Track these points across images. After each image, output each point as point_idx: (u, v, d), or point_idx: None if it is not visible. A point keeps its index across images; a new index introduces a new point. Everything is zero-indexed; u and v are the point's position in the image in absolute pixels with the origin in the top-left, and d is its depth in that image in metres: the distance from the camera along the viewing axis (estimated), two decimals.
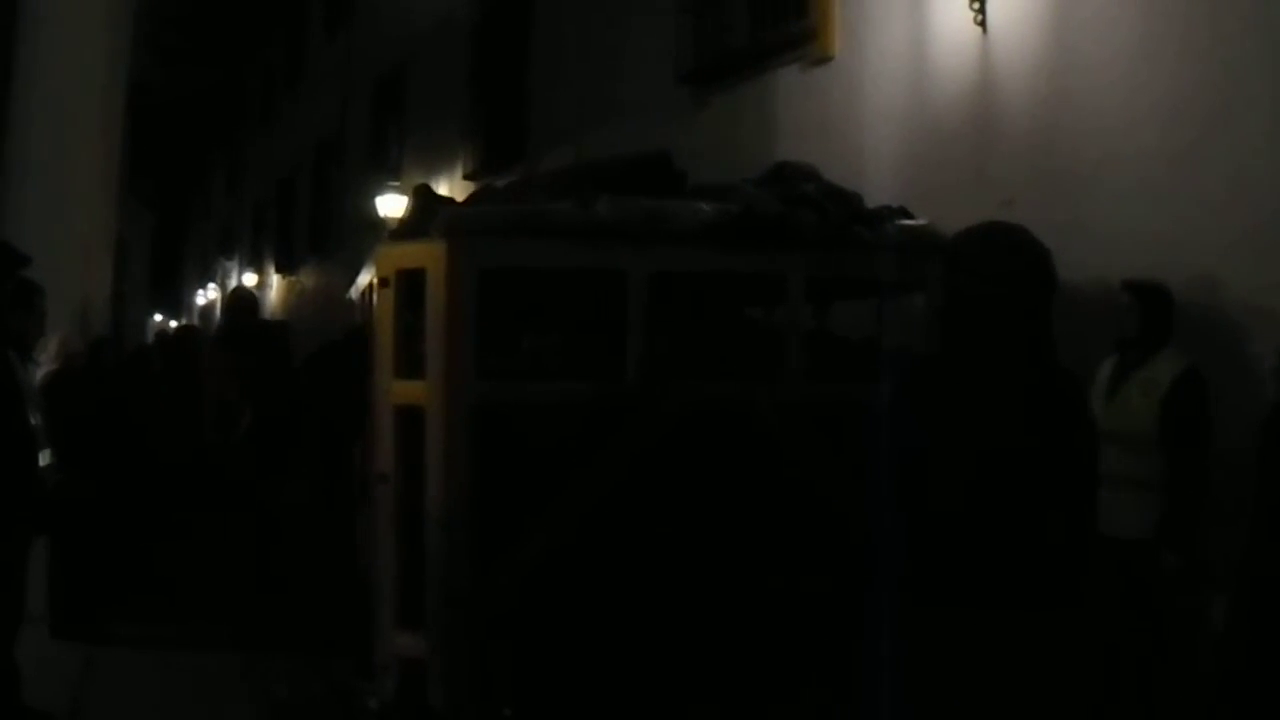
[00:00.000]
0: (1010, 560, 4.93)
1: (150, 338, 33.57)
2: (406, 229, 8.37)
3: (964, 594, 4.95)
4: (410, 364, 7.60)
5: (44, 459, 7.76)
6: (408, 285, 7.56)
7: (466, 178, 19.09)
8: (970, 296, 5.07)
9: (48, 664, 8.64)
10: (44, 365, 9.31)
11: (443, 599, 7.27)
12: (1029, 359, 5.06)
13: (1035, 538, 4.94)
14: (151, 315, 51.53)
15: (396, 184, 21.67)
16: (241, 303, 16.21)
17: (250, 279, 39.75)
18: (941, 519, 4.94)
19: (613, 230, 7.44)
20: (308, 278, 30.30)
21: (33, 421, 7.66)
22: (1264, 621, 6.32)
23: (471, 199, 8.80)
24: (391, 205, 20.88)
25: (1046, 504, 4.95)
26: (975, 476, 4.94)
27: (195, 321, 47.84)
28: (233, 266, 45.38)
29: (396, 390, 7.59)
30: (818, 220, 7.78)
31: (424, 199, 8.48)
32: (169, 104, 35.84)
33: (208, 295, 50.11)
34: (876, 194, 8.71)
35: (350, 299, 11.99)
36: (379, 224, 20.46)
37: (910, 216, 8.37)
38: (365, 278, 9.65)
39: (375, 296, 7.74)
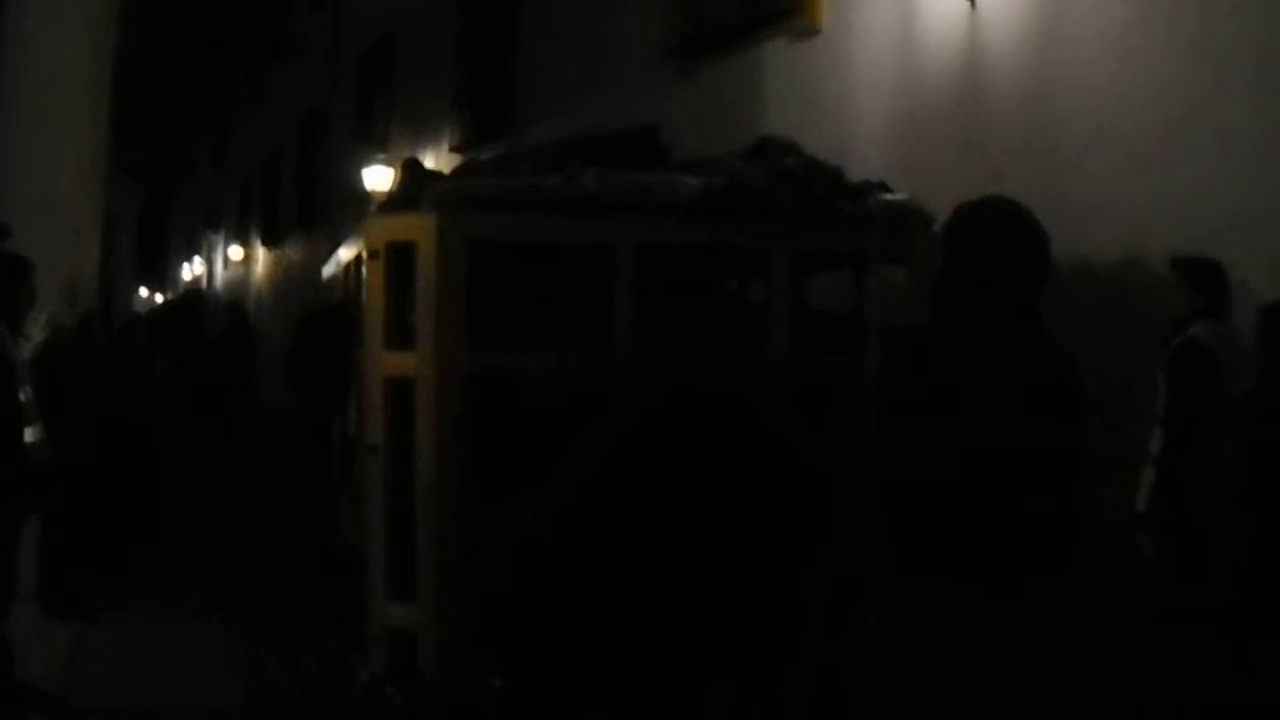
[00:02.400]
0: (994, 534, 4.95)
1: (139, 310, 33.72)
2: (395, 202, 8.41)
3: (946, 567, 4.98)
4: (400, 336, 7.63)
5: (34, 434, 7.76)
6: (397, 258, 7.59)
7: (453, 150, 19.09)
8: (963, 272, 5.05)
9: (39, 640, 8.60)
10: (34, 339, 9.28)
11: (434, 570, 7.31)
12: (1022, 334, 5.06)
13: (1020, 511, 4.96)
14: (138, 289, 51.51)
15: (383, 156, 21.63)
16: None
17: (236, 252, 39.74)
18: (925, 489, 4.95)
19: (600, 203, 7.51)
20: (294, 251, 30.24)
21: (22, 397, 7.65)
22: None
23: (458, 172, 8.80)
24: (378, 177, 20.86)
25: (1035, 478, 4.97)
26: (963, 448, 4.95)
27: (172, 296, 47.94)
28: (219, 240, 45.30)
29: (387, 361, 7.61)
30: (800, 194, 7.83)
31: (413, 172, 8.51)
32: (155, 77, 35.74)
33: (194, 269, 50.05)
34: (864, 167, 8.75)
35: (327, 275, 12.01)
36: (366, 196, 20.48)
37: (891, 191, 8.42)
38: (347, 252, 9.67)
39: (365, 268, 7.77)
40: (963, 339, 5.00)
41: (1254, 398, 6.51)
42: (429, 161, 15.05)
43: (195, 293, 30.07)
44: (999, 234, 5.00)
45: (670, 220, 7.60)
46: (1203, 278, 6.94)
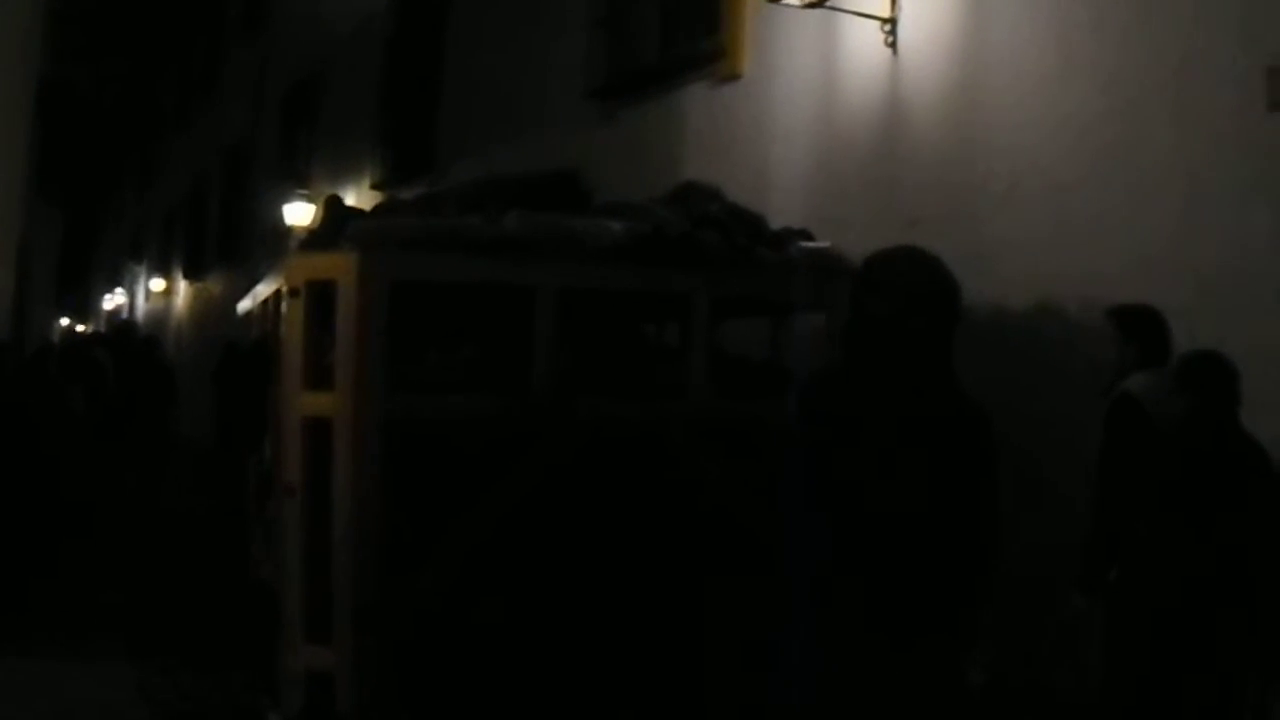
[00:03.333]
0: (897, 574, 5.02)
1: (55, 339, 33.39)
2: (316, 239, 8.38)
3: (852, 609, 5.05)
4: (317, 375, 7.56)
5: None
6: (315, 296, 7.53)
7: (374, 188, 19.07)
8: (874, 316, 5.16)
9: None
10: None
11: (351, 612, 7.25)
12: (931, 382, 5.15)
13: (926, 555, 5.03)
14: (58, 318, 51.11)
15: (305, 193, 21.63)
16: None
17: (158, 284, 39.54)
18: (842, 533, 5.03)
19: (523, 245, 7.48)
20: (215, 284, 30.14)
21: None
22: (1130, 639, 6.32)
23: (378, 211, 8.79)
24: (299, 213, 20.88)
25: (940, 515, 5.05)
26: (871, 490, 5.03)
27: (97, 326, 47.61)
28: (141, 271, 45.07)
29: (305, 401, 7.53)
30: (722, 241, 7.88)
31: (334, 209, 8.48)
32: (83, 105, 35.59)
33: (115, 299, 49.73)
34: (784, 212, 8.83)
35: (242, 310, 11.95)
36: (287, 232, 20.46)
37: (811, 238, 8.49)
38: (266, 288, 9.63)
39: (285, 306, 7.69)
40: (868, 378, 5.12)
41: (1167, 441, 6.42)
42: (350, 199, 15.08)
43: (128, 323, 29.83)
44: (905, 280, 5.14)
45: (594, 264, 7.60)
46: (1134, 325, 6.83)
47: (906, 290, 5.11)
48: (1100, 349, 6.99)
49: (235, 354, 12.93)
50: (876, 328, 5.14)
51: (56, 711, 8.83)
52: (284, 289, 7.72)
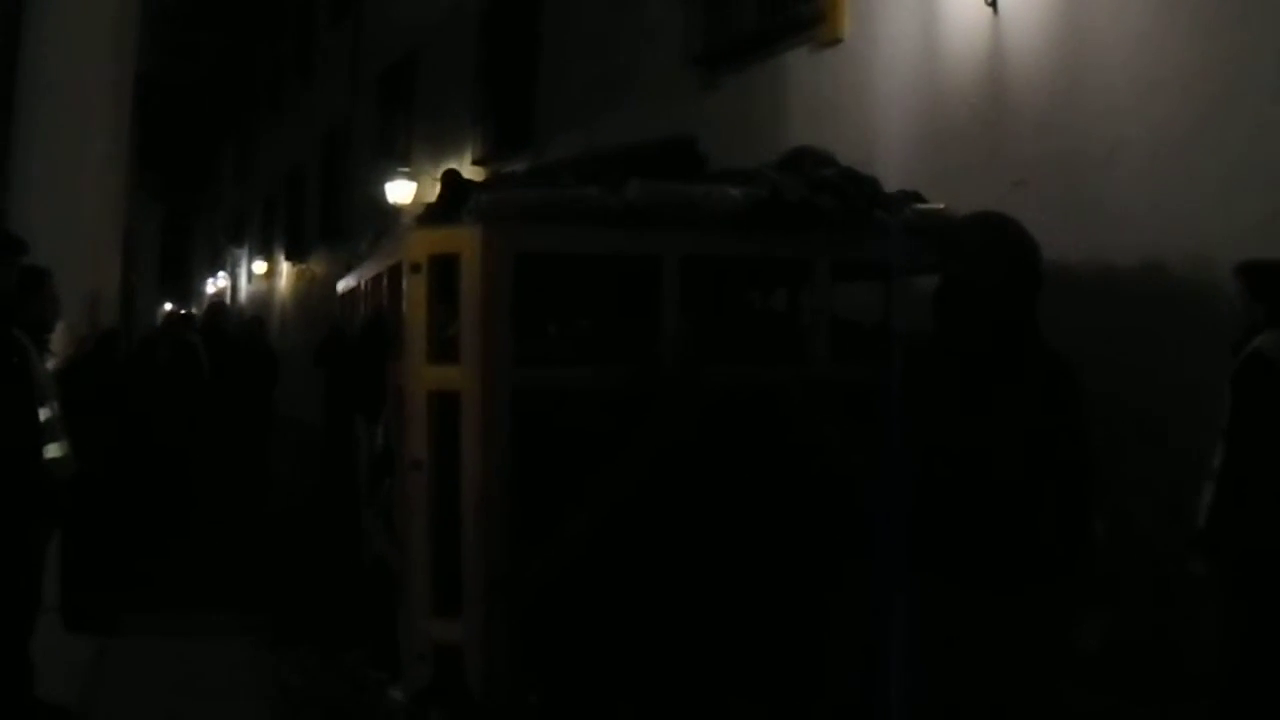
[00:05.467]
0: (992, 537, 5.17)
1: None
2: (434, 214, 8.41)
3: (951, 572, 5.20)
4: (439, 349, 7.64)
5: (58, 450, 7.75)
6: (438, 270, 7.58)
7: (476, 163, 19.21)
8: (955, 278, 5.40)
9: (60, 655, 8.49)
10: (58, 354, 9.28)
11: (480, 586, 7.32)
12: (1013, 342, 5.33)
13: (1008, 518, 5.19)
14: (161, 304, 51.60)
15: (407, 170, 21.78)
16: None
17: (260, 267, 39.88)
18: (933, 498, 5.21)
19: (644, 214, 7.51)
20: (318, 265, 30.35)
21: (47, 411, 7.64)
22: (1255, 605, 6.20)
23: (490, 184, 8.84)
24: (402, 191, 21.01)
25: (1027, 485, 5.21)
26: (956, 454, 5.20)
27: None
28: (242, 254, 45.43)
29: (430, 375, 7.59)
30: (840, 204, 7.91)
31: (452, 184, 8.44)
32: (178, 95, 35.85)
33: (218, 283, 50.19)
34: (887, 175, 8.82)
35: (343, 288, 12.00)
36: (391, 210, 20.60)
37: (924, 201, 8.50)
38: (374, 266, 9.70)
39: (406, 281, 7.72)
40: (953, 337, 5.32)
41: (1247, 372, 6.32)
42: None
43: (219, 305, 29.96)
44: (981, 242, 5.37)
45: (714, 231, 7.61)
46: (1262, 284, 6.53)
47: (982, 252, 5.41)
48: (1206, 307, 7.00)
49: (340, 336, 12.99)
50: (958, 289, 5.40)
51: (175, 689, 8.92)
52: (405, 264, 7.74)
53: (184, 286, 57.94)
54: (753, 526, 7.60)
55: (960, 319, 5.42)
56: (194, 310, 37.12)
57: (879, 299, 8.76)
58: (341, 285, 12.35)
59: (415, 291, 7.66)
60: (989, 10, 9.23)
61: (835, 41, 11.21)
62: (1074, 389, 5.45)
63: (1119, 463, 6.65)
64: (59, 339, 9.18)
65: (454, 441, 7.47)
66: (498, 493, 7.31)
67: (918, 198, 8.51)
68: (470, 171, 17.80)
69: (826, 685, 7.46)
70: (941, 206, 8.33)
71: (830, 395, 7.71)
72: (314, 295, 29.10)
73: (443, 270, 7.57)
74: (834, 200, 7.91)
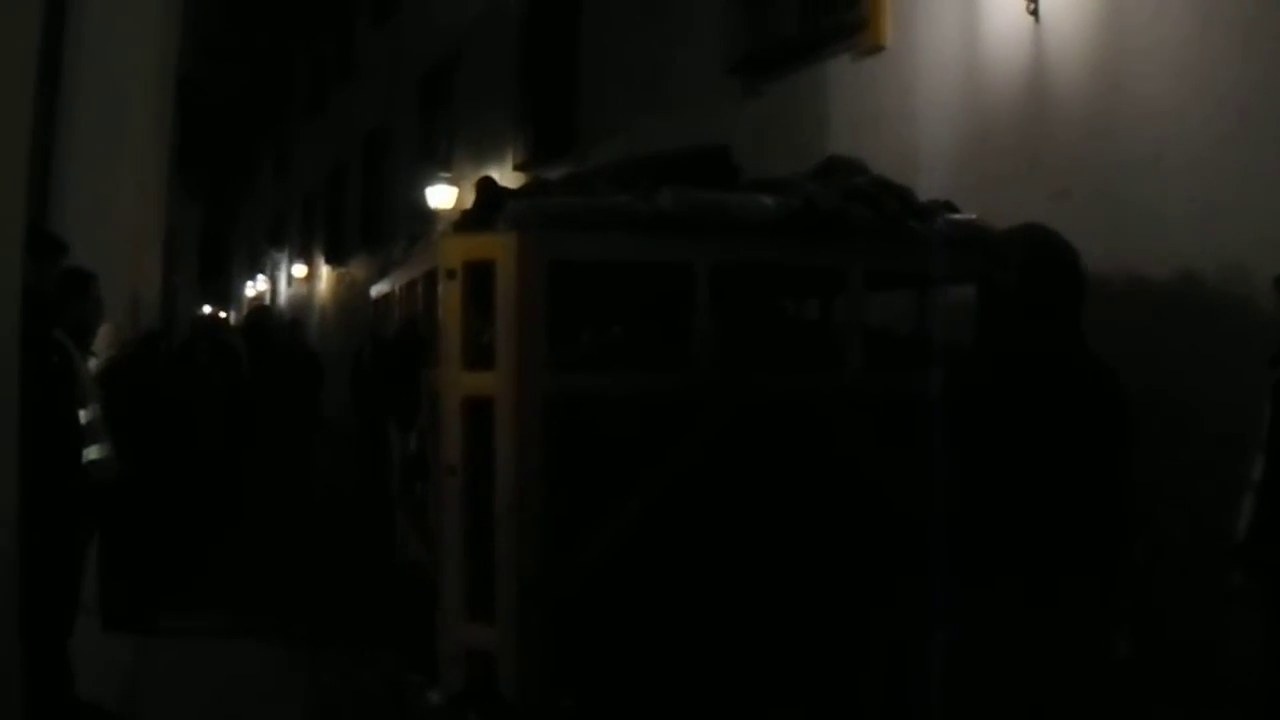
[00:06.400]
0: (1033, 543, 5.16)
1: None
2: (469, 220, 8.41)
3: (991, 579, 5.20)
4: (474, 355, 7.63)
5: (99, 452, 7.78)
6: (472, 277, 7.58)
7: (517, 169, 19.21)
8: (998, 290, 5.44)
9: (99, 656, 8.62)
10: (100, 355, 9.31)
11: (514, 591, 7.31)
12: (1056, 351, 5.33)
13: (1057, 529, 5.16)
14: (201, 307, 51.83)
15: (448, 175, 21.80)
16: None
17: (299, 270, 39.95)
18: (975, 510, 5.22)
19: (678, 222, 7.50)
20: (358, 269, 30.40)
21: (87, 414, 7.66)
22: None
23: (527, 191, 8.83)
24: (441, 196, 21.03)
25: (1070, 495, 5.19)
26: (1003, 467, 5.20)
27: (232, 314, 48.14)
28: (282, 258, 45.53)
29: (466, 382, 7.59)
30: (873, 214, 7.89)
31: (487, 191, 8.46)
32: (217, 97, 36.00)
33: (257, 286, 50.34)
34: (929, 183, 8.83)
35: (377, 294, 12.00)
36: (431, 215, 20.61)
37: (957, 211, 8.47)
38: (408, 272, 9.70)
39: (441, 288, 7.72)
40: (996, 348, 5.31)
41: None
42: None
43: (263, 309, 30.02)
44: (1023, 255, 5.42)
45: (749, 240, 7.60)
46: None
47: (1025, 264, 5.47)
48: (1246, 318, 6.94)
49: (380, 338, 13.02)
50: (1000, 301, 5.49)
51: (214, 690, 9.04)
52: (440, 270, 7.73)
53: (224, 289, 58.16)
54: (789, 533, 7.59)
55: (1002, 328, 5.44)
56: (228, 314, 37.22)
57: (907, 308, 8.74)
58: (374, 290, 12.35)
59: (450, 297, 7.66)
60: (1031, 19, 9.18)
61: (877, 49, 11.16)
62: (1118, 397, 5.43)
63: (1155, 471, 6.61)
64: (102, 341, 9.21)
65: (488, 447, 7.46)
66: (531, 498, 7.30)
67: (950, 207, 8.48)
68: (511, 177, 17.82)
69: (863, 694, 7.42)
70: (974, 217, 8.30)
71: (864, 404, 7.70)
72: (354, 300, 29.13)
73: (477, 277, 7.56)
74: (867, 209, 7.90)
